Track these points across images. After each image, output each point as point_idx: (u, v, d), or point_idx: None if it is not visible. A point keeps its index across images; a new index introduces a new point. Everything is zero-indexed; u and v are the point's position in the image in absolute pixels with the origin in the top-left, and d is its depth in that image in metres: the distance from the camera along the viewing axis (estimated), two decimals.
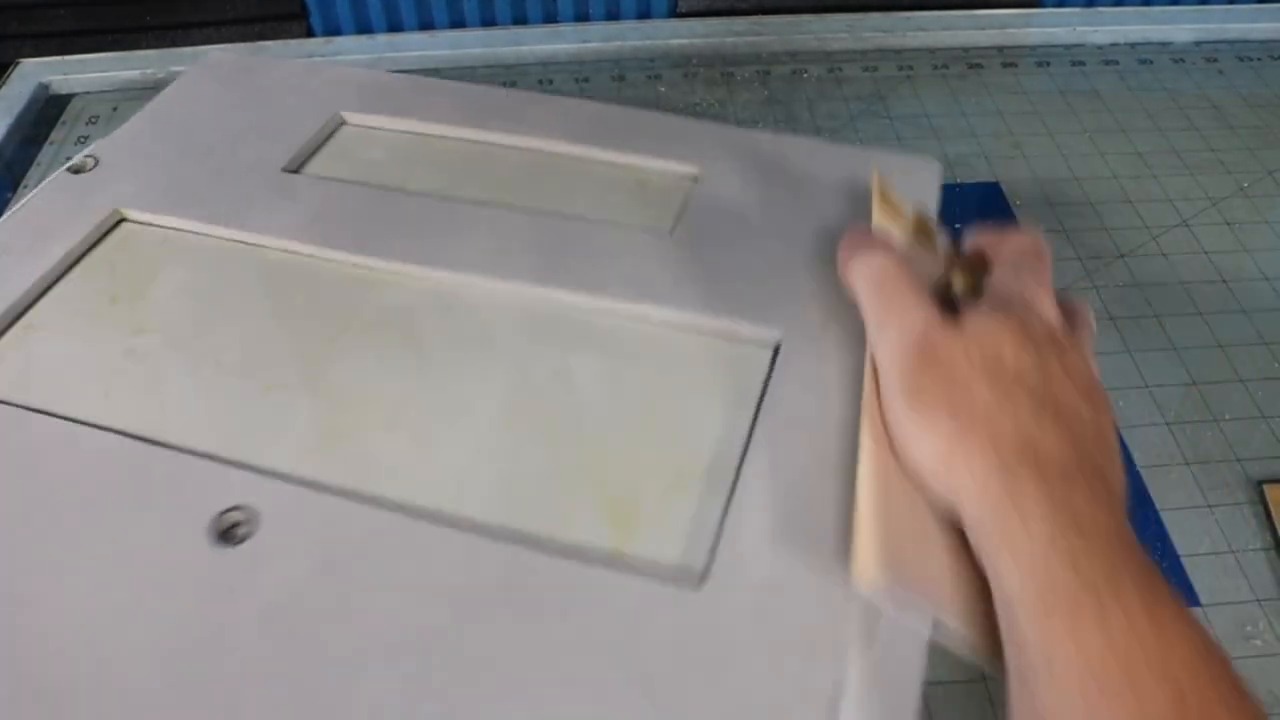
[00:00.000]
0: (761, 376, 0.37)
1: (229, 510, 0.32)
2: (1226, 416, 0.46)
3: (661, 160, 0.47)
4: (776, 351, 0.38)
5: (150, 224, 0.43)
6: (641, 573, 0.31)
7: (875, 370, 0.32)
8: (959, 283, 0.34)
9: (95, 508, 0.33)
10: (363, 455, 0.35)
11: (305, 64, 0.53)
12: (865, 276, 0.33)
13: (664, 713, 0.28)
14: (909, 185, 0.43)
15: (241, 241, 0.43)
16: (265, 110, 0.49)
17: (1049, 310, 0.31)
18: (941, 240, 0.37)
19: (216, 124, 0.48)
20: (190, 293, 0.41)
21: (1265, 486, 0.42)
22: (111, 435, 0.35)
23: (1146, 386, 0.47)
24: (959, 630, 0.27)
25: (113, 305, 0.40)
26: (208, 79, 0.51)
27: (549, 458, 0.35)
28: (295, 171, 0.46)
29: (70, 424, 0.35)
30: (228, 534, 0.32)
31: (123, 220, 0.44)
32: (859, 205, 0.43)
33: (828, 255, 0.39)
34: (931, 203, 0.43)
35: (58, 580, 0.31)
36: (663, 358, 0.38)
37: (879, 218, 0.37)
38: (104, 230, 0.43)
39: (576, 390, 0.38)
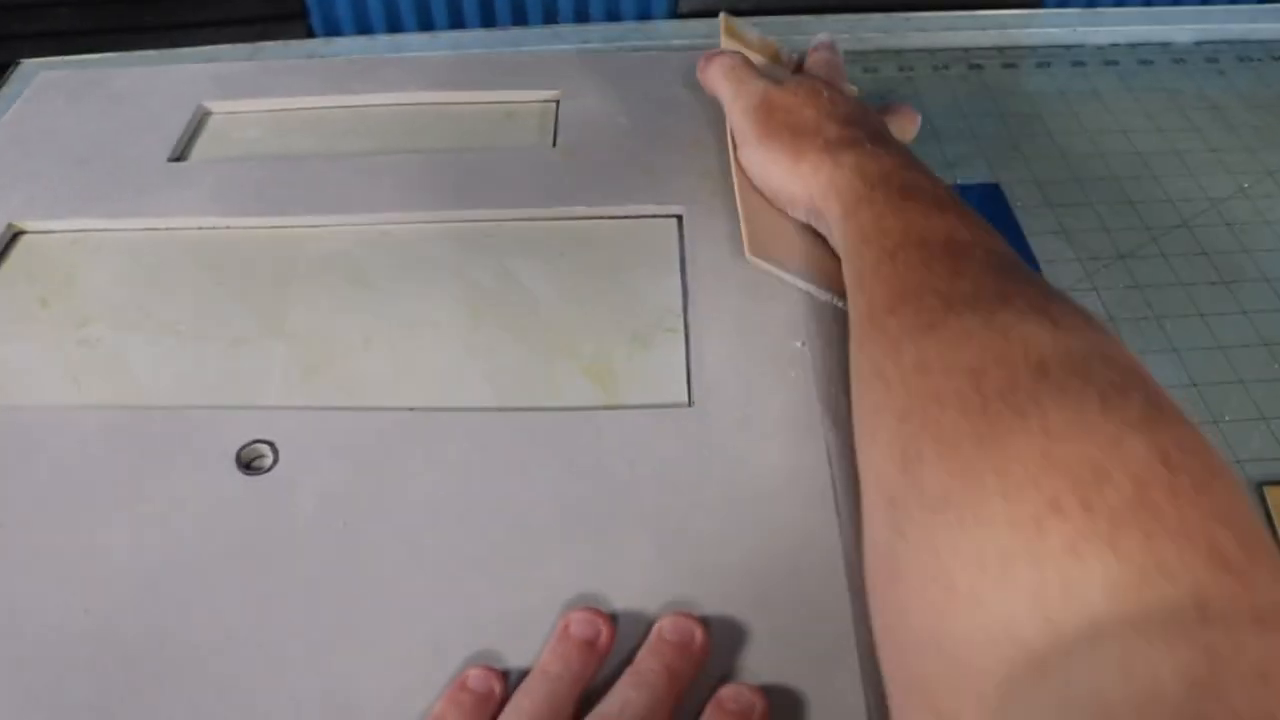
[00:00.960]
0: (675, 243, 0.43)
1: (247, 445, 0.34)
2: (1226, 418, 0.46)
3: (521, 91, 0.52)
4: (680, 221, 0.44)
5: (51, 231, 0.44)
6: (639, 408, 0.36)
7: (733, 134, 0.46)
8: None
9: (117, 475, 0.33)
10: (350, 376, 0.37)
11: (146, 69, 0.54)
12: (717, 69, 0.47)
13: (685, 505, 0.32)
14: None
15: (153, 228, 0.44)
16: (127, 113, 0.50)
17: (841, 86, 0.48)
18: (781, 49, 0.54)
19: (82, 132, 0.49)
20: (119, 283, 0.41)
21: (1265, 488, 0.42)
22: (100, 411, 0.35)
23: None
24: (812, 283, 0.41)
25: (45, 308, 0.40)
26: (52, 95, 0.52)
27: (520, 346, 0.38)
28: (180, 160, 0.47)
29: (52, 411, 0.36)
30: (253, 466, 0.33)
31: (20, 233, 0.44)
32: (702, 95, 0.51)
33: (694, 139, 0.49)
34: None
35: (111, 540, 0.31)
36: (587, 246, 0.43)
37: (727, 43, 0.52)
38: (3, 245, 0.43)
39: (523, 287, 0.41)
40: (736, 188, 0.44)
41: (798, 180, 0.41)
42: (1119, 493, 0.21)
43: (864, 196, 0.37)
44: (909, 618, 0.24)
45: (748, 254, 0.41)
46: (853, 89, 0.52)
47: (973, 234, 0.33)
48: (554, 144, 0.48)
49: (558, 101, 0.51)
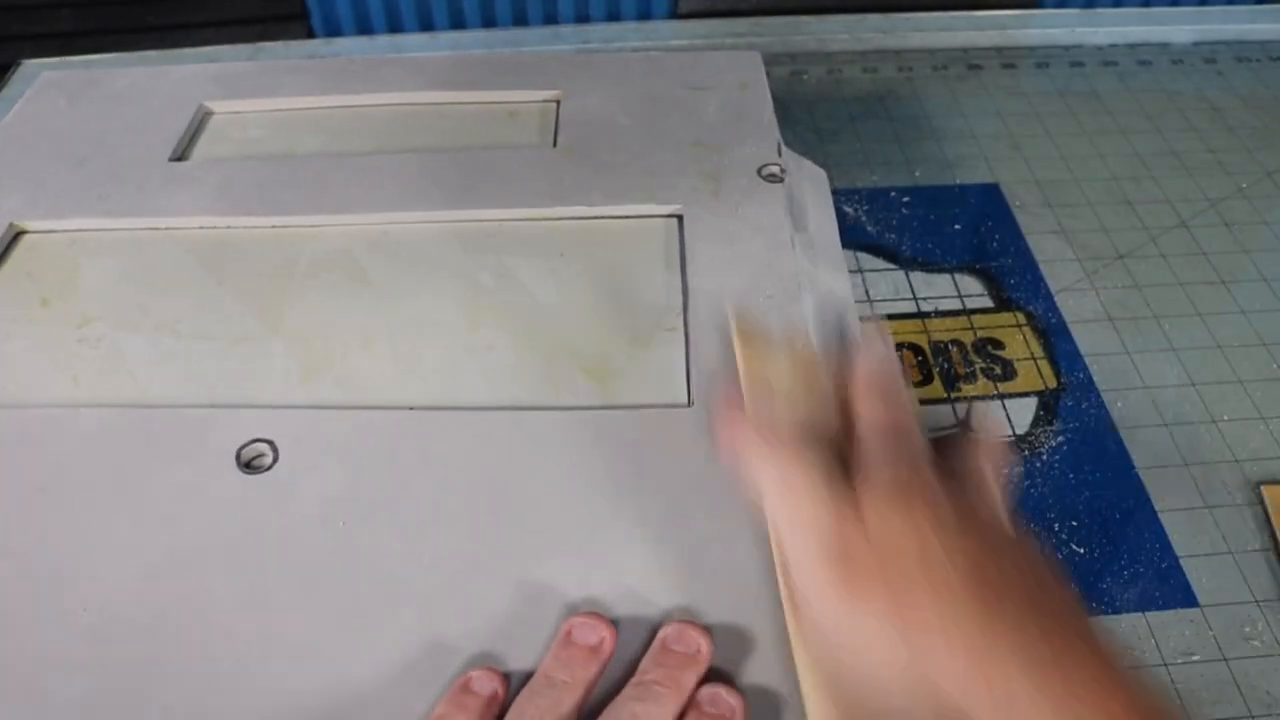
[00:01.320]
0: (676, 242, 0.43)
1: (247, 444, 0.34)
2: (1225, 417, 0.46)
3: (522, 91, 0.52)
4: (681, 220, 0.44)
5: (52, 231, 0.44)
6: (638, 408, 0.36)
7: (784, 573, 0.29)
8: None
9: (117, 473, 0.33)
10: (351, 375, 0.37)
11: (146, 69, 0.54)
12: (768, 481, 0.29)
13: (685, 505, 0.32)
14: (732, 81, 0.51)
15: (153, 228, 0.44)
16: (128, 113, 0.50)
17: (923, 458, 0.28)
18: (818, 365, 0.33)
19: (82, 133, 0.49)
20: (120, 281, 0.41)
21: (1263, 488, 0.43)
22: (101, 410, 0.35)
23: (1145, 387, 0.47)
24: None
25: (45, 307, 0.40)
26: (53, 96, 0.52)
27: (520, 345, 0.38)
28: (182, 159, 0.47)
29: (53, 410, 0.36)
30: (253, 465, 0.33)
31: (21, 233, 0.44)
32: (703, 96, 0.50)
33: (694, 139, 0.47)
34: (761, 92, 0.50)
35: (111, 538, 0.32)
36: (588, 245, 0.43)
37: (746, 362, 0.33)
38: (4, 245, 0.43)
39: (523, 287, 0.41)
40: (801, 674, 0.28)
41: (913, 665, 0.25)
42: None
43: None
44: None
45: None
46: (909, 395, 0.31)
47: None
48: (555, 144, 0.48)
49: (559, 101, 0.51)
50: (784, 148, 0.47)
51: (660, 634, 0.29)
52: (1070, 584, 0.26)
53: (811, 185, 0.47)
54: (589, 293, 0.41)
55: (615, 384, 0.37)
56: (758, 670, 0.29)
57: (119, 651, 0.29)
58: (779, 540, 0.30)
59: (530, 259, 0.42)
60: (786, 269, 0.40)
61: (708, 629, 0.29)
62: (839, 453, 0.29)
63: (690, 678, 0.28)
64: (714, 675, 0.29)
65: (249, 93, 0.51)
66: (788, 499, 0.28)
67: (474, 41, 0.74)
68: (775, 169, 0.45)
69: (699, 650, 0.28)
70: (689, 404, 0.36)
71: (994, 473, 0.29)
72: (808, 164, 0.48)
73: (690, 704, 0.27)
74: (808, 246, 0.43)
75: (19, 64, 0.65)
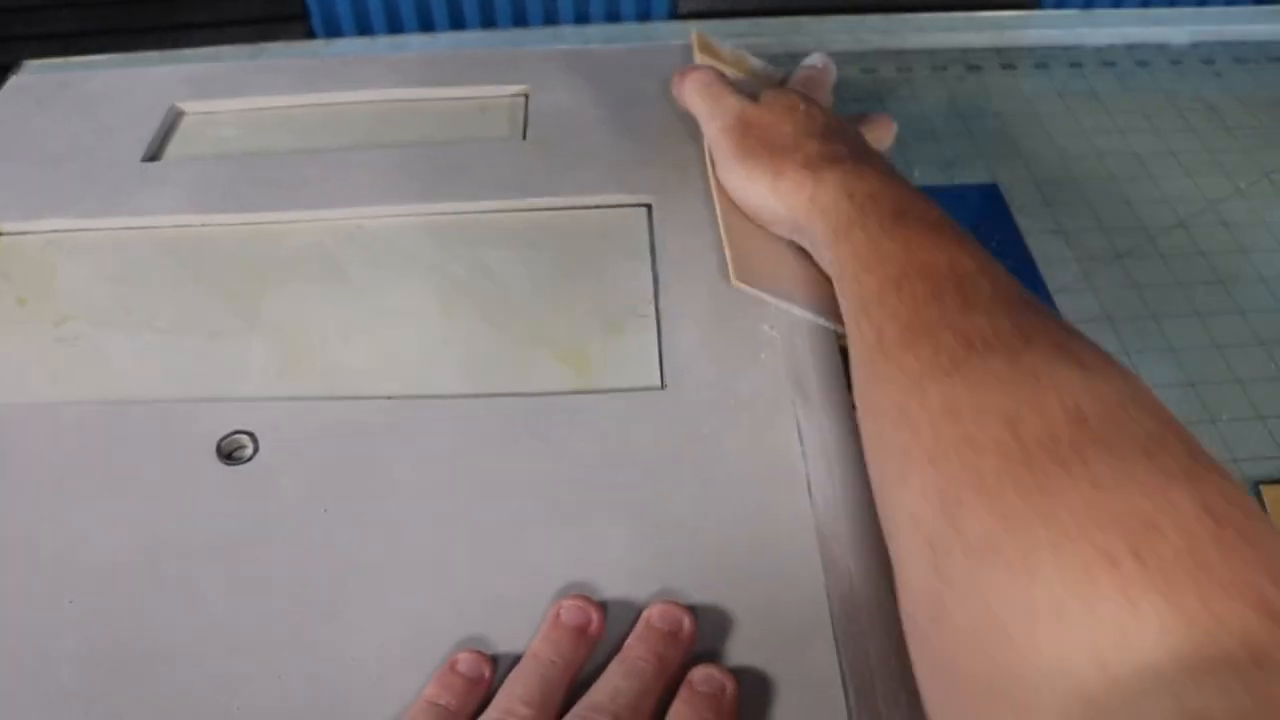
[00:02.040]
0: (645, 232, 0.44)
1: (227, 436, 0.34)
2: (1224, 417, 0.46)
3: (491, 86, 0.53)
4: (650, 210, 0.45)
5: (26, 232, 0.44)
6: (613, 392, 0.37)
7: (711, 153, 0.45)
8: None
9: (98, 468, 0.34)
10: (328, 367, 0.37)
11: (120, 70, 0.54)
12: (693, 85, 0.46)
13: (660, 486, 0.33)
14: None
15: (128, 227, 0.44)
16: (100, 114, 0.50)
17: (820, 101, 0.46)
18: (755, 64, 0.53)
19: (54, 133, 0.49)
20: (97, 281, 0.42)
21: (1262, 487, 0.43)
22: (80, 406, 0.36)
23: None
24: (802, 304, 0.40)
25: (22, 307, 0.40)
26: (25, 99, 0.52)
27: (495, 334, 0.39)
28: (155, 160, 0.48)
29: (32, 407, 0.36)
30: (234, 456, 0.34)
31: None
32: (668, 86, 0.51)
33: (662, 130, 0.49)
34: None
35: (94, 532, 0.32)
36: (559, 236, 0.44)
37: (701, 59, 0.50)
38: None
39: (497, 277, 0.42)
40: (718, 210, 0.43)
41: (779, 198, 0.40)
42: (1169, 544, 0.21)
43: (854, 218, 0.36)
44: (957, 660, 0.24)
45: (733, 281, 0.41)
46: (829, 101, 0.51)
47: (975, 261, 0.32)
48: (524, 137, 0.49)
49: (527, 95, 0.52)
50: None
51: (644, 613, 0.30)
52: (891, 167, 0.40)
53: None
54: (561, 282, 0.41)
55: (589, 369, 0.38)
56: (738, 647, 0.29)
57: (105, 643, 0.29)
58: (705, 133, 0.45)
59: (502, 250, 0.43)
60: None
61: (692, 609, 0.29)
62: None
63: (673, 653, 0.29)
64: (698, 653, 0.29)
65: (221, 93, 0.52)
66: (709, 95, 0.45)
67: (474, 41, 0.74)
68: None
69: (681, 626, 0.29)
70: (662, 387, 0.37)
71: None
72: None
73: (684, 684, 0.28)
74: None
75: (20, 64, 0.65)
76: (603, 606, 0.30)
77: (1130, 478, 0.23)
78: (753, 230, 0.43)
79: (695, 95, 0.46)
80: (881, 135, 0.47)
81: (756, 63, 0.54)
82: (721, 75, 0.47)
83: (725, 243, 0.42)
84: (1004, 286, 0.31)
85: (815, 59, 0.52)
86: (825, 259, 0.38)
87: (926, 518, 0.26)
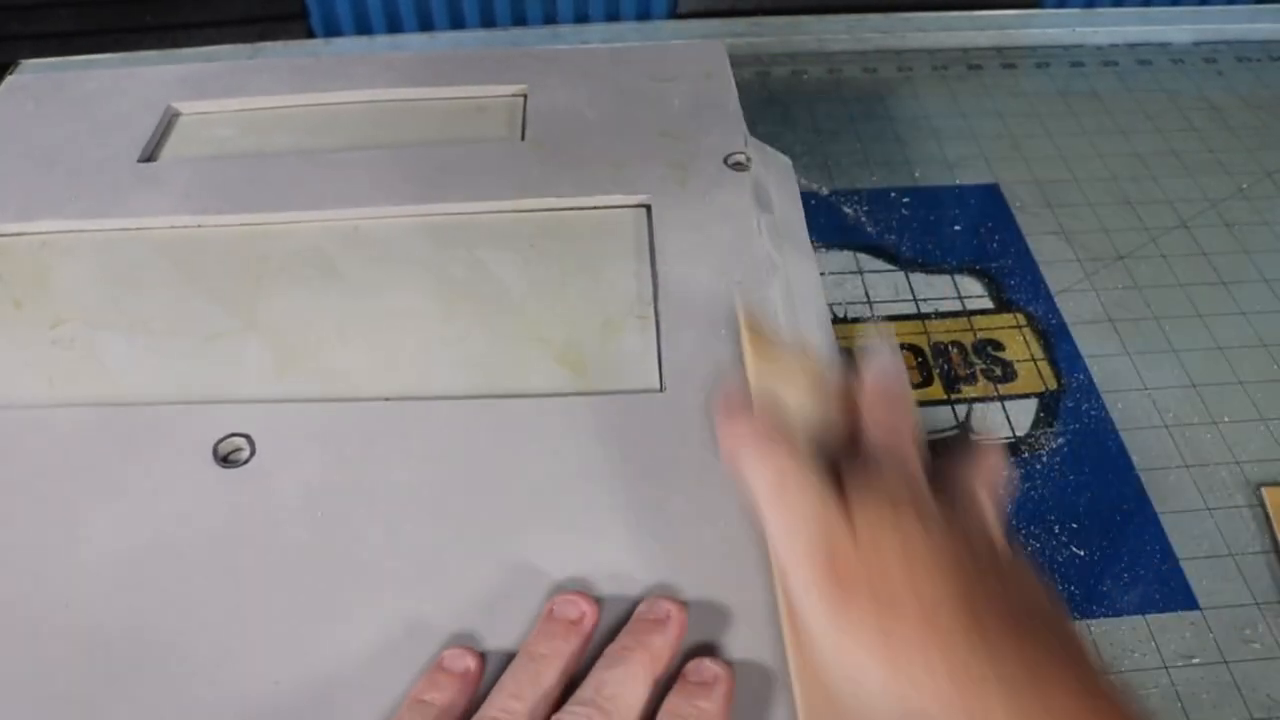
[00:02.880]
0: (645, 232, 0.43)
1: (223, 439, 0.34)
2: (1226, 419, 0.46)
3: (489, 86, 0.52)
4: (649, 210, 0.44)
5: (21, 233, 0.44)
6: (611, 394, 0.36)
7: (781, 570, 0.29)
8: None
9: (94, 471, 0.34)
10: (326, 368, 0.37)
11: (115, 71, 0.54)
12: (763, 479, 0.29)
13: (659, 488, 0.33)
14: (697, 71, 0.52)
15: (124, 229, 0.44)
16: (94, 115, 0.50)
17: (919, 474, 0.29)
18: (826, 373, 0.33)
19: (49, 134, 0.49)
20: (93, 282, 0.41)
21: (1264, 489, 0.43)
22: (76, 409, 0.36)
23: (1145, 389, 0.47)
24: None
25: (18, 309, 0.40)
26: (20, 99, 0.52)
27: (493, 335, 0.39)
28: (150, 160, 0.48)
29: (28, 410, 0.36)
30: (230, 459, 0.33)
31: None
32: (668, 87, 0.51)
33: (661, 130, 0.48)
34: (725, 82, 0.51)
35: (90, 535, 0.32)
36: (558, 236, 0.43)
37: (755, 365, 0.33)
38: None
39: (495, 277, 0.41)
40: (794, 677, 0.28)
41: (894, 684, 0.25)
42: None
43: None
44: None
45: None
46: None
47: None
48: (523, 137, 0.48)
49: (525, 96, 0.52)
50: (749, 136, 0.47)
51: (636, 610, 0.29)
52: (1058, 598, 0.26)
53: (777, 173, 0.48)
54: (560, 282, 0.41)
55: (588, 371, 0.37)
56: (737, 644, 0.29)
57: (102, 647, 0.29)
58: (772, 542, 0.29)
59: (501, 250, 0.42)
60: (754, 255, 0.41)
61: (684, 602, 0.29)
62: (836, 463, 0.29)
63: (659, 641, 0.28)
64: (697, 650, 0.29)
65: (216, 93, 0.51)
66: (782, 499, 0.28)
67: (474, 41, 0.74)
68: (741, 158, 0.45)
69: (668, 615, 0.29)
70: (661, 389, 0.36)
71: (989, 488, 0.29)
72: (772, 152, 0.49)
73: (678, 676, 0.28)
74: (774, 233, 0.43)
75: (19, 64, 0.65)
76: (597, 601, 0.30)
77: None
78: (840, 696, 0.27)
79: (764, 490, 0.29)
80: (991, 478, 0.30)
81: (818, 364, 0.33)
82: (802, 462, 0.29)
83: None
84: None
85: (879, 352, 0.32)
86: None
87: None
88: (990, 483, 0.29)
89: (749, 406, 0.32)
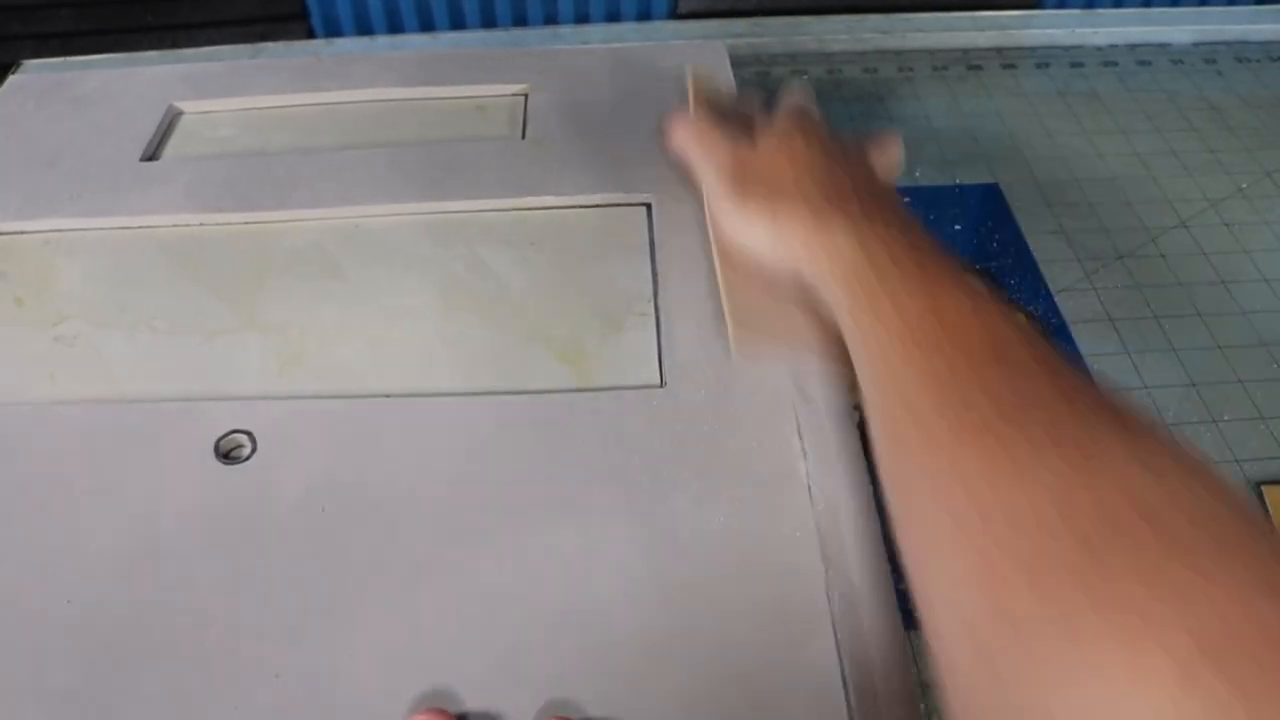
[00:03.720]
0: (645, 230, 0.44)
1: (225, 436, 0.34)
2: (1225, 418, 0.46)
3: (489, 86, 0.53)
4: (649, 209, 0.45)
5: (24, 232, 0.44)
6: (613, 389, 0.36)
7: (708, 204, 0.42)
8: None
9: (96, 468, 0.34)
10: (327, 365, 0.37)
11: (116, 70, 0.54)
12: (684, 137, 0.43)
13: (659, 483, 0.33)
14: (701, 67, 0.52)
15: (126, 227, 0.44)
16: (97, 114, 0.50)
17: (815, 119, 0.42)
18: (759, 111, 0.46)
19: (51, 134, 0.49)
20: (95, 281, 0.42)
21: (1264, 488, 0.43)
22: (78, 406, 0.36)
23: (1145, 388, 0.47)
24: (815, 369, 0.37)
25: (20, 307, 0.40)
26: (22, 98, 0.52)
27: (494, 332, 0.39)
28: (153, 159, 0.48)
29: (31, 407, 0.36)
30: (232, 455, 0.34)
31: None
32: (667, 86, 0.52)
33: (660, 129, 0.47)
34: (725, 82, 0.52)
35: (92, 532, 0.32)
36: (558, 234, 0.44)
37: (696, 104, 0.48)
38: None
39: (495, 275, 0.41)
40: (718, 274, 0.40)
41: (780, 242, 0.36)
42: (1239, 642, 0.19)
43: (869, 273, 0.32)
44: None
45: (734, 350, 0.38)
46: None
47: (1010, 324, 0.29)
48: (523, 136, 0.49)
49: (526, 95, 0.52)
50: None
51: None
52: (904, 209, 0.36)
53: None
54: (560, 280, 0.41)
55: (589, 367, 0.38)
56: (738, 646, 0.29)
57: (103, 643, 0.29)
58: (699, 183, 0.42)
59: (502, 248, 0.42)
60: None
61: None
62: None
63: None
64: (694, 649, 0.29)
65: (218, 92, 0.52)
66: (703, 145, 0.42)
67: (475, 42, 0.74)
68: None
69: None
70: (662, 385, 0.36)
71: (880, 155, 0.41)
72: None
73: None
74: None
75: (19, 64, 0.65)
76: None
77: (1192, 561, 0.21)
78: (756, 292, 0.39)
79: (687, 143, 0.43)
80: (889, 163, 0.42)
81: (760, 106, 0.48)
82: (712, 123, 0.43)
83: (725, 310, 0.38)
84: (1041, 352, 0.28)
85: (795, 93, 0.46)
86: (837, 315, 0.34)
87: (968, 602, 0.24)
88: (882, 153, 0.41)
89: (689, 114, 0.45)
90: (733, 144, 0.41)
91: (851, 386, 0.36)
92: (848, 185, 0.37)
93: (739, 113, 0.46)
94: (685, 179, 0.45)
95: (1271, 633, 0.19)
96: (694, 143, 0.43)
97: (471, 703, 0.28)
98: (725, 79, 0.52)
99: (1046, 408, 0.26)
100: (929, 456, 0.27)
